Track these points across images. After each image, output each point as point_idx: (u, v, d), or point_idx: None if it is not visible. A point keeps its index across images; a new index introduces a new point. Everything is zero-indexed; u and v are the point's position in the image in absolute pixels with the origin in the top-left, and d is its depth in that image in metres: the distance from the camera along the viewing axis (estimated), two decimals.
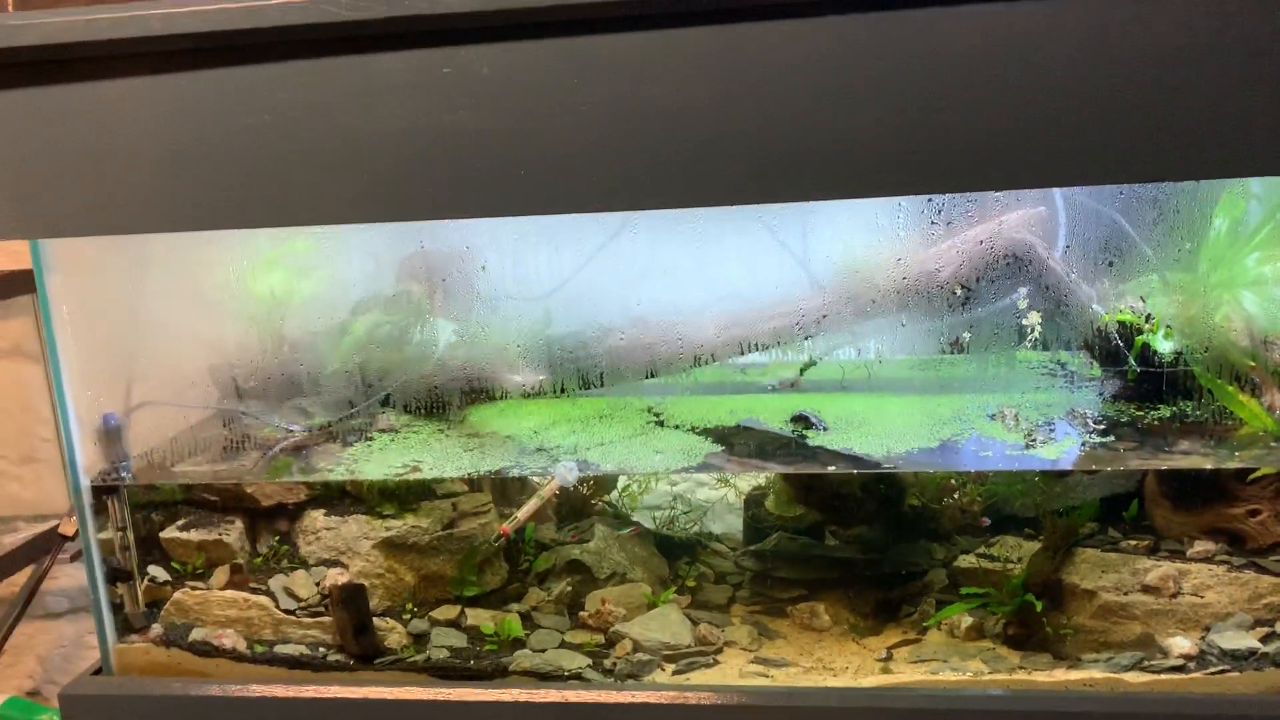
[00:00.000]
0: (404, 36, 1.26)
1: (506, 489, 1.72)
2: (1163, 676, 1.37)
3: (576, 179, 1.28)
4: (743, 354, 1.55)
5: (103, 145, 1.34)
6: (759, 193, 1.29)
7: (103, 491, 1.57)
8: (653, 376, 1.56)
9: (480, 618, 1.60)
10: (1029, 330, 1.46)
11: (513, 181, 1.29)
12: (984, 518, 1.64)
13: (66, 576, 2.56)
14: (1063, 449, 1.45)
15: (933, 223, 1.41)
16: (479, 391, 1.67)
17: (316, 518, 1.65)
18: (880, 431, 1.53)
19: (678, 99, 1.25)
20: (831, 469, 1.46)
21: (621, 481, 1.86)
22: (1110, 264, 1.44)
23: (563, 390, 1.61)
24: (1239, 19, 1.14)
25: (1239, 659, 1.36)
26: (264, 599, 1.59)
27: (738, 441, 1.57)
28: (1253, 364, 1.46)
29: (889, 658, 1.50)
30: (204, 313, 1.74)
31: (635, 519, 1.84)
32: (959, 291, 1.46)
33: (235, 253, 1.67)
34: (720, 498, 1.88)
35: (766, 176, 1.26)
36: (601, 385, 1.59)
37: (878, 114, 1.22)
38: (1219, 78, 1.15)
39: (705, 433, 1.59)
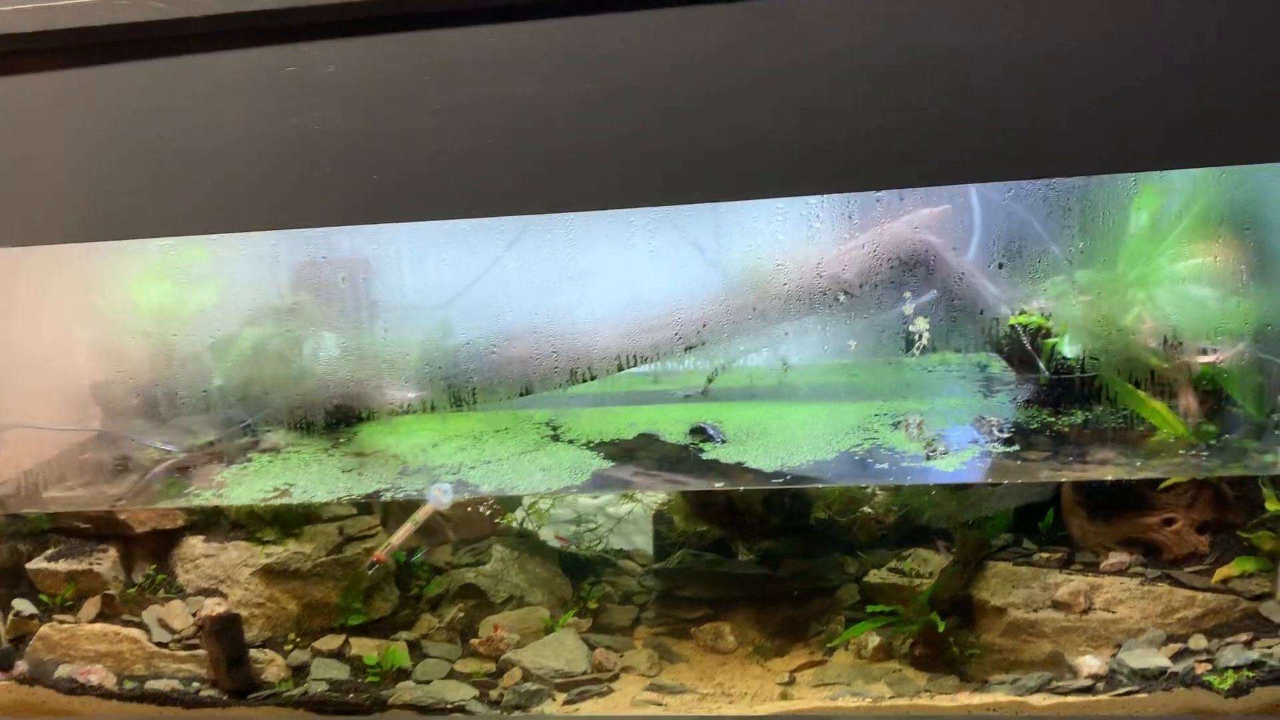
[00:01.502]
0: (243, 34, 1.17)
1: (397, 511, 1.64)
2: (1069, 699, 1.30)
3: (433, 184, 1.20)
4: (630, 366, 1.47)
5: None
6: (629, 197, 1.21)
7: None
8: (526, 394, 1.49)
9: (365, 647, 1.52)
10: (918, 336, 1.38)
11: (365, 187, 1.21)
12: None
13: None
14: (963, 460, 1.37)
15: (811, 226, 1.34)
16: (366, 408, 1.59)
17: (195, 544, 1.56)
18: (779, 442, 1.45)
19: (538, 98, 1.17)
20: (720, 485, 1.38)
21: (527, 499, 1.78)
22: (1001, 265, 1.37)
23: (430, 406, 1.53)
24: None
25: (1148, 678, 1.29)
26: (136, 631, 1.51)
27: (636, 455, 1.49)
28: (1166, 365, 1.39)
29: (791, 681, 1.43)
30: (80, 328, 1.66)
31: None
32: (842, 297, 1.38)
33: (113, 263, 1.58)
34: (628, 512, 1.80)
35: (636, 179, 1.19)
36: (475, 401, 1.51)
37: (754, 112, 1.14)
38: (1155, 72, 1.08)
39: (600, 447, 1.51)
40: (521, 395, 1.48)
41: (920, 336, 1.37)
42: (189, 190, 1.23)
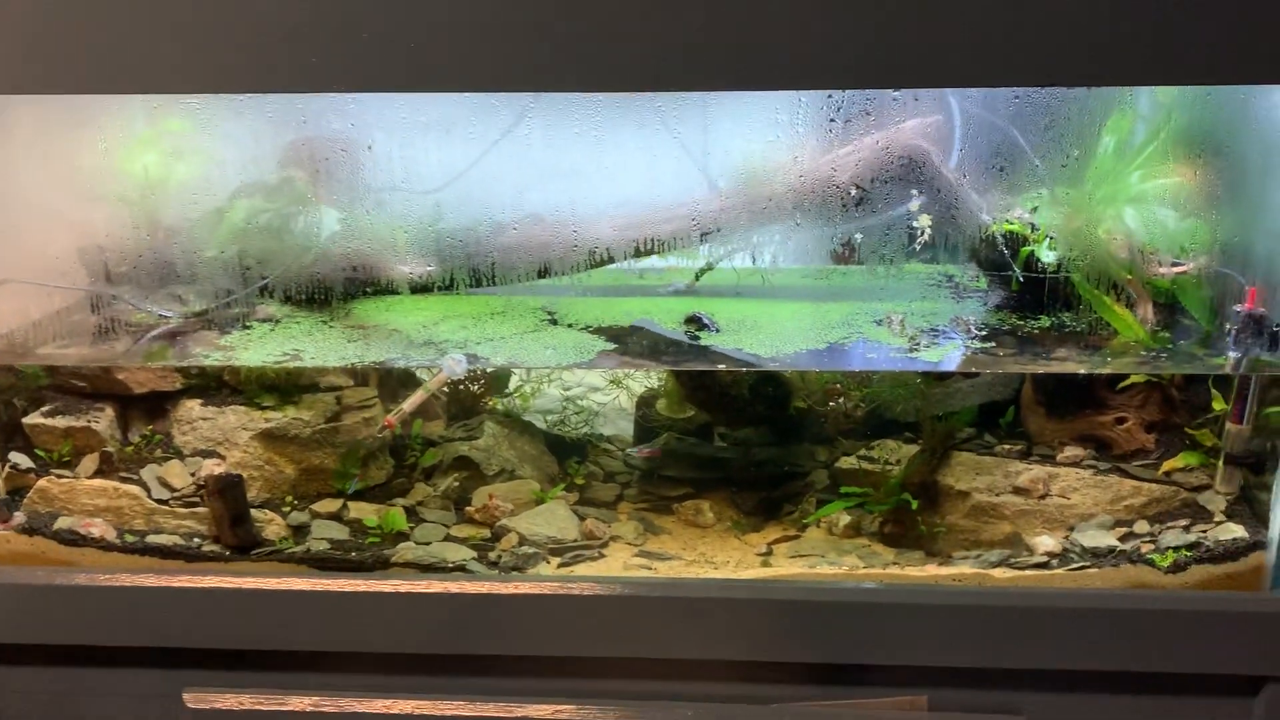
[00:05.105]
0: None
1: (392, 384, 1.69)
2: (1027, 573, 1.43)
3: (467, 55, 1.23)
4: (648, 252, 1.53)
5: None
6: (660, 79, 1.25)
7: None
8: (545, 275, 1.54)
9: (363, 511, 1.58)
10: (919, 234, 1.47)
11: (399, 54, 1.23)
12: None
13: None
14: (944, 353, 1.48)
15: (831, 120, 1.41)
16: (365, 283, 1.62)
17: (193, 407, 1.59)
18: (770, 333, 1.54)
19: None
20: (721, 367, 1.46)
21: (513, 382, 1.84)
22: (1000, 169, 1.46)
23: (451, 284, 1.57)
24: None
25: (1098, 556, 1.43)
26: (135, 488, 1.54)
27: (631, 341, 1.56)
28: (1129, 277, 1.51)
29: (769, 553, 1.54)
30: (71, 191, 1.64)
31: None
32: (854, 192, 1.46)
33: (107, 129, 1.57)
34: (611, 400, 1.88)
35: (667, 62, 1.23)
36: (494, 284, 1.56)
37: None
38: None
39: (599, 332, 1.57)
40: (540, 277, 1.53)
41: (922, 233, 1.45)
42: (217, 47, 1.23)
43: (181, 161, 1.61)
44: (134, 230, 1.61)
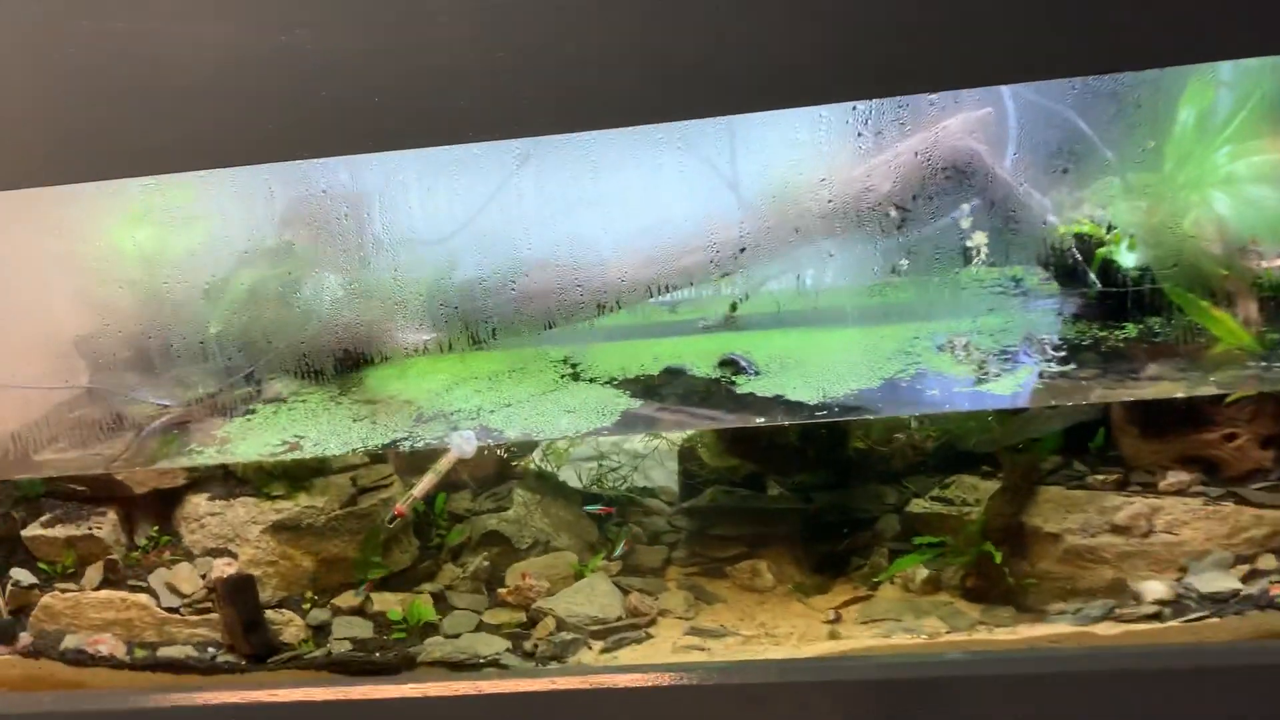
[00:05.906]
0: None
1: (413, 458, 1.55)
2: (1136, 627, 1.24)
3: (444, 106, 1.09)
4: (654, 295, 1.37)
5: None
6: (659, 111, 1.10)
7: None
8: (551, 327, 1.38)
9: (387, 602, 1.45)
10: (976, 250, 1.29)
11: (365, 113, 1.09)
12: None
13: None
14: (1019, 381, 1.29)
15: (859, 135, 1.23)
16: (373, 353, 1.49)
17: (199, 503, 1.48)
18: (816, 372, 1.37)
19: (555, 7, 1.05)
20: (761, 421, 1.30)
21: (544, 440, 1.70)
22: (1065, 170, 1.27)
23: (450, 347, 1.43)
24: None
25: (1219, 602, 1.23)
26: (144, 597, 1.43)
27: (660, 392, 1.40)
28: (1226, 273, 1.31)
29: (837, 619, 1.36)
30: (60, 278, 1.55)
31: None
32: (893, 214, 1.29)
33: (92, 208, 1.47)
34: (653, 449, 1.72)
35: (666, 92, 1.08)
36: (495, 338, 1.41)
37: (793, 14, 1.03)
38: None
39: (624, 384, 1.42)
40: (547, 328, 1.38)
41: (979, 252, 1.27)
42: (165, 123, 1.11)
43: (176, 233, 1.51)
44: (133, 313, 1.51)
